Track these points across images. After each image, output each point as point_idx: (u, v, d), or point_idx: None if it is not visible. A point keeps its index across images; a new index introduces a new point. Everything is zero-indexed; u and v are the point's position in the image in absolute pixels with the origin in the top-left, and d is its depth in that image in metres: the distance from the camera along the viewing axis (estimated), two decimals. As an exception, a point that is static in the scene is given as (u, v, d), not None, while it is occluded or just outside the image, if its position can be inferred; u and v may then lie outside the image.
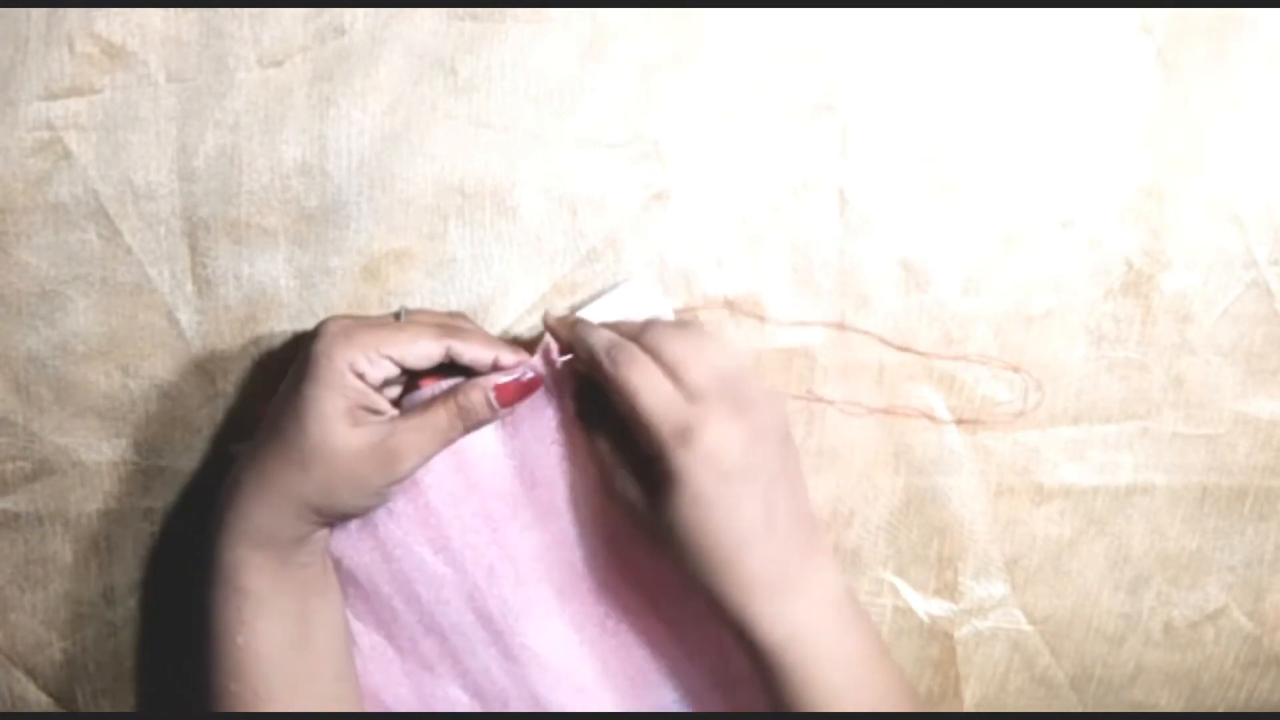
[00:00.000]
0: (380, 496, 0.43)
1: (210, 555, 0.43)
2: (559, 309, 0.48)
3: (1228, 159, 0.48)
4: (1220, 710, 0.54)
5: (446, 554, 0.46)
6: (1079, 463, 0.51)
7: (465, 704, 0.47)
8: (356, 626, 0.47)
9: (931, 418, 0.50)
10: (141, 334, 0.48)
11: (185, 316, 0.48)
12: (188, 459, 0.49)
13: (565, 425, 0.45)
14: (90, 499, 0.49)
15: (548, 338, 0.44)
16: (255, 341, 0.48)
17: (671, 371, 0.40)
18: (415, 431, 0.41)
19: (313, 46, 0.46)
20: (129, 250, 0.47)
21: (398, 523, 0.45)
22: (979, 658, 0.53)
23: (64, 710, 0.52)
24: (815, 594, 0.41)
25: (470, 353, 0.42)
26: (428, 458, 0.42)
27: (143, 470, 0.49)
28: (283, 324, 0.48)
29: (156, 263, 0.47)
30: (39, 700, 0.51)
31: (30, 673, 0.51)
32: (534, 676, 0.47)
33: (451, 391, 0.42)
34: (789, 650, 0.41)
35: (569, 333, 0.44)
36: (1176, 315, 0.49)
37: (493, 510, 0.46)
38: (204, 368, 0.48)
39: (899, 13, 0.47)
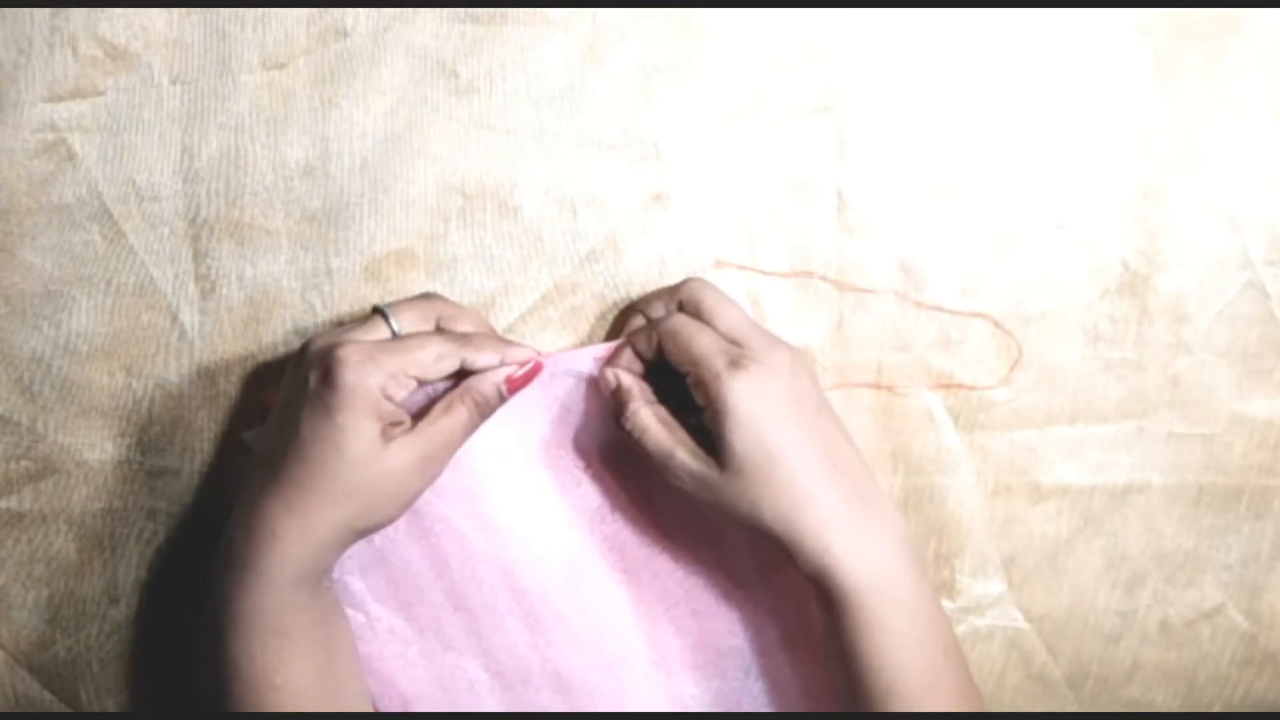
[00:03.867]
0: (416, 499, 0.43)
1: (237, 601, 0.41)
2: (565, 309, 0.49)
3: (1224, 160, 0.48)
4: (1216, 708, 0.54)
5: (488, 528, 0.47)
6: (1076, 462, 0.51)
7: (484, 682, 0.48)
8: (376, 610, 0.47)
9: (885, 387, 0.50)
10: (145, 334, 0.48)
11: (188, 317, 0.48)
12: (190, 459, 0.50)
13: (598, 410, 0.47)
14: (94, 498, 0.50)
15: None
16: (258, 342, 0.49)
17: (710, 318, 0.45)
18: (445, 434, 0.42)
19: (315, 49, 0.46)
20: (132, 251, 0.47)
21: (440, 497, 0.46)
22: (976, 655, 0.53)
23: (68, 709, 0.52)
24: (887, 534, 0.42)
25: (482, 360, 0.43)
26: (455, 452, 0.43)
27: (146, 470, 0.50)
28: (285, 325, 0.48)
29: (160, 263, 0.48)
30: (42, 698, 0.52)
31: (34, 671, 0.51)
32: (561, 652, 0.48)
33: (465, 388, 0.43)
34: (870, 594, 0.41)
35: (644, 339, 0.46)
36: (1172, 316, 0.49)
37: (535, 477, 0.47)
38: (206, 368, 0.49)
39: (897, 14, 0.47)
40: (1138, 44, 0.47)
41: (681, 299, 0.46)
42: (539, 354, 0.45)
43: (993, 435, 0.50)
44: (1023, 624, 0.53)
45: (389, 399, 0.41)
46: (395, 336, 0.43)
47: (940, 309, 0.49)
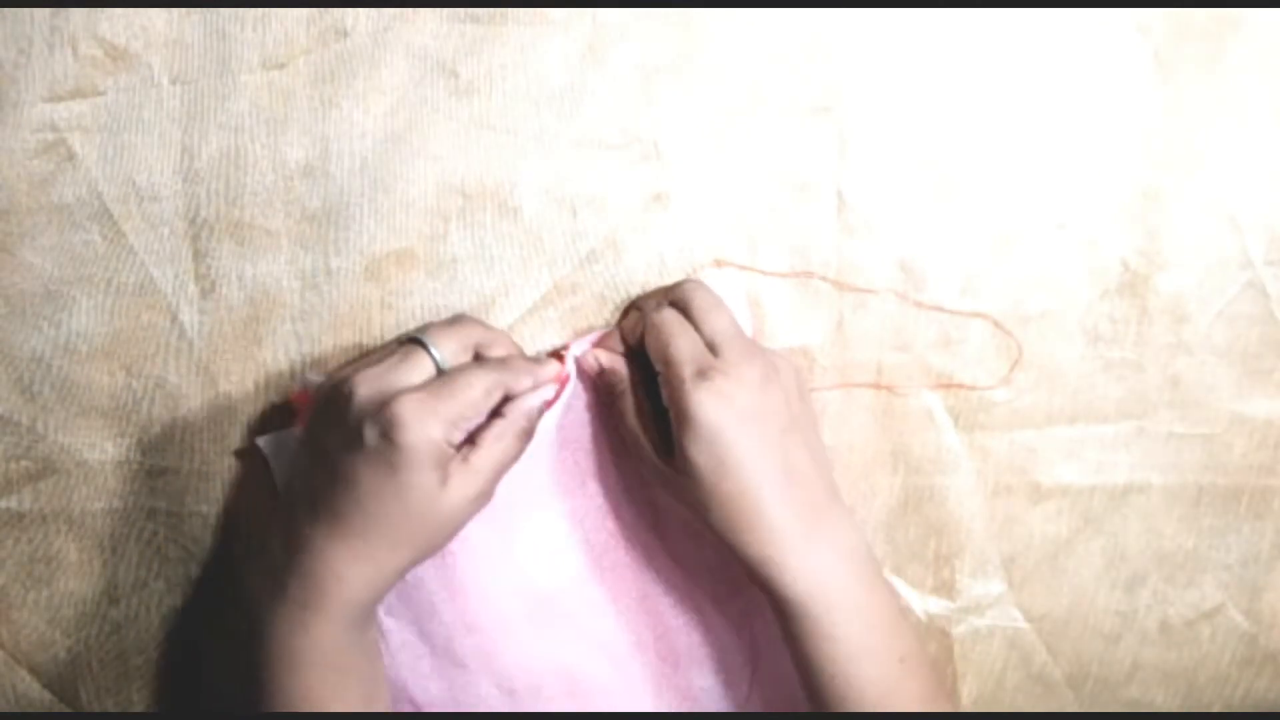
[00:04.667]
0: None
1: (296, 639, 0.42)
2: (565, 309, 0.49)
3: (1224, 160, 0.48)
4: (1216, 708, 0.54)
5: (497, 527, 0.47)
6: (1076, 462, 0.51)
7: (495, 699, 0.49)
8: (389, 623, 0.48)
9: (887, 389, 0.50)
10: (145, 334, 0.48)
11: (188, 317, 0.48)
12: (190, 459, 0.50)
13: (598, 405, 0.48)
14: (94, 498, 0.50)
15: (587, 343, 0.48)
16: (258, 342, 0.49)
17: (697, 320, 0.45)
18: (499, 467, 0.43)
19: (315, 49, 0.46)
20: (132, 251, 0.47)
21: None
22: (976, 655, 0.53)
23: (67, 709, 0.52)
24: (836, 547, 0.43)
25: (521, 386, 0.44)
26: (501, 478, 0.44)
27: (146, 470, 0.50)
28: (285, 324, 0.48)
29: (160, 263, 0.48)
30: (42, 698, 0.52)
31: (34, 671, 0.51)
32: (570, 649, 0.48)
33: (512, 420, 0.43)
34: (813, 605, 0.42)
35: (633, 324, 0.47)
36: (1172, 316, 0.49)
37: (541, 477, 0.48)
38: (207, 368, 0.49)
39: (897, 15, 0.47)
40: (1138, 44, 0.47)
41: (674, 297, 0.46)
42: (559, 361, 0.46)
43: (993, 435, 0.50)
44: (1023, 624, 0.53)
45: (450, 445, 0.41)
46: (439, 368, 0.43)
47: (940, 309, 0.49)
